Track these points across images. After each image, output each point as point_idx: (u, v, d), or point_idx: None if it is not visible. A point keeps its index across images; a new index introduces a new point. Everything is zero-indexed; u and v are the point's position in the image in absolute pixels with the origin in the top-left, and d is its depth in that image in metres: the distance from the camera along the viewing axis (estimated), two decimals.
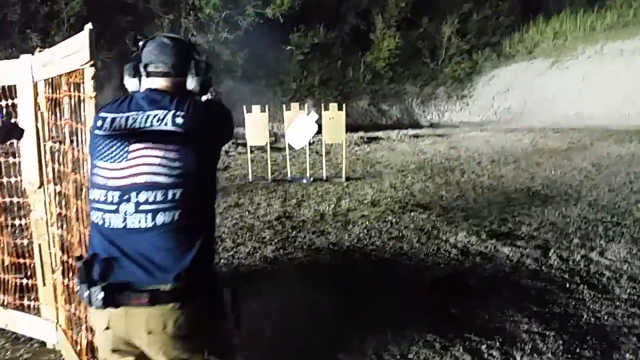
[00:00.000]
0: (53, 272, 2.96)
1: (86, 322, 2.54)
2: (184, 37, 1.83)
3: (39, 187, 2.93)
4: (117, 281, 1.53)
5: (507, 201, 7.06)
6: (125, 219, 1.54)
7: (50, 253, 2.95)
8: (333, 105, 8.98)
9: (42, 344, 3.20)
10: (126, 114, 1.63)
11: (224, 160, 11.42)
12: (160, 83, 1.71)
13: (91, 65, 2.05)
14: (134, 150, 1.58)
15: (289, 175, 9.11)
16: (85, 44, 2.06)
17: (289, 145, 9.22)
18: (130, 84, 1.75)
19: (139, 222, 1.53)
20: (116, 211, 1.55)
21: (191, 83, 1.73)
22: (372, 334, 3.32)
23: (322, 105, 9.27)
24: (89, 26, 2.08)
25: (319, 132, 9.11)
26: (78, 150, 2.35)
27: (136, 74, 1.73)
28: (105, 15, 19.09)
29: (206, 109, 1.70)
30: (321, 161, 9.51)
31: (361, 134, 16.31)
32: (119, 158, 1.58)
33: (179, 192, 1.55)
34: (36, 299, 3.24)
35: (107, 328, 1.60)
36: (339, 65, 22.03)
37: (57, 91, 2.57)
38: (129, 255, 1.54)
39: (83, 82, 2.14)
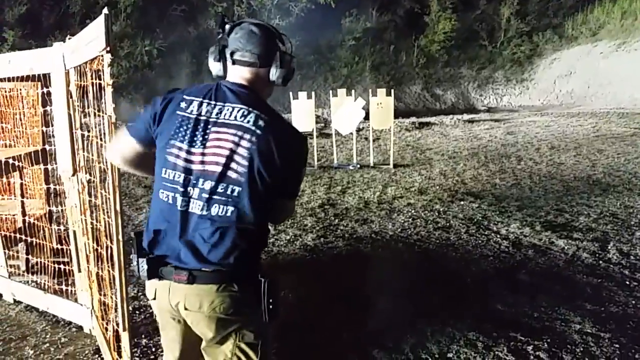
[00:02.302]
0: (87, 259, 2.97)
1: (115, 311, 2.53)
2: (272, 25, 1.74)
3: (73, 175, 2.93)
4: (162, 255, 1.60)
5: (565, 190, 6.64)
6: (188, 202, 1.58)
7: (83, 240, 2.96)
8: (381, 91, 8.74)
9: (80, 328, 3.24)
10: (214, 102, 1.63)
11: None
12: (245, 74, 1.69)
13: (107, 52, 1.98)
14: (213, 140, 1.59)
15: (335, 161, 8.97)
16: (101, 31, 1.98)
17: (335, 131, 9.07)
18: (214, 67, 1.75)
19: (199, 208, 1.57)
20: (184, 193, 1.59)
21: (275, 74, 1.70)
22: (410, 329, 3.15)
23: (370, 91, 9.04)
24: (105, 11, 2.00)
25: (367, 118, 8.90)
26: (100, 139, 2.30)
27: (221, 58, 1.72)
28: (160, 4, 19.51)
29: (294, 143, 1.64)
30: (369, 147, 9.31)
31: (413, 119, 15.92)
32: (197, 143, 1.59)
33: (239, 190, 1.56)
34: (74, 284, 3.28)
35: (154, 298, 1.69)
36: (391, 49, 21.57)
37: (84, 79, 2.54)
38: (180, 235, 1.58)
39: (102, 69, 2.07)
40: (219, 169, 1.56)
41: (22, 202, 3.95)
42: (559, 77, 19.78)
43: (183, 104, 1.64)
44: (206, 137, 1.59)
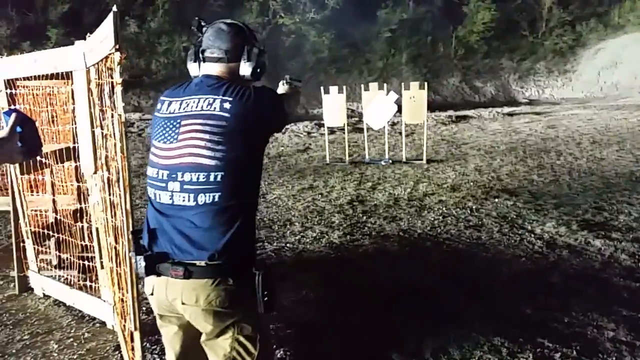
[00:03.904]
0: (108, 256, 3.00)
1: (133, 308, 2.54)
2: (243, 23, 1.83)
3: (94, 172, 2.96)
4: (160, 252, 1.64)
5: (605, 187, 6.36)
6: (172, 196, 1.63)
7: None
8: (414, 84, 8.57)
9: (103, 324, 3.29)
10: (181, 98, 1.71)
11: (304, 142, 11.42)
12: (215, 68, 1.75)
13: (116, 50, 1.97)
14: (183, 133, 1.64)
15: (366, 157, 8.87)
16: (110, 29, 1.98)
17: (367, 126, 8.96)
18: (191, 68, 1.82)
19: (183, 200, 1.61)
20: (165, 188, 1.64)
21: (243, 68, 1.75)
22: (432, 333, 3.06)
23: (402, 84, 8.88)
24: (114, 9, 1.99)
25: (400, 112, 8.75)
26: (112, 137, 2.31)
27: (196, 59, 1.79)
28: (197, 0, 19.76)
29: (256, 96, 1.67)
30: (402, 142, 9.16)
31: (450, 112, 15.64)
32: (170, 139, 1.66)
33: (221, 175, 1.59)
34: (97, 280, 3.33)
35: (152, 294, 1.72)
36: (428, 41, 21.23)
37: (102, 77, 2.55)
38: (172, 230, 1.63)
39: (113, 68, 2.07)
40: (194, 159, 1.60)
41: (53, 198, 4.04)
42: (604, 68, 19.04)
43: (159, 105, 1.75)
44: (177, 131, 1.64)
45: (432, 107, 18.17)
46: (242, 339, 1.67)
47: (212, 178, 1.59)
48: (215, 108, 1.62)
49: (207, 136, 1.60)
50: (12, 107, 2.83)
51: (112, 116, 2.21)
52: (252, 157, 1.68)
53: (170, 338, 1.80)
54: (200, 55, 1.77)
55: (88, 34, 2.81)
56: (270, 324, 3.18)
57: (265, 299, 1.62)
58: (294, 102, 2.07)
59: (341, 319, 3.28)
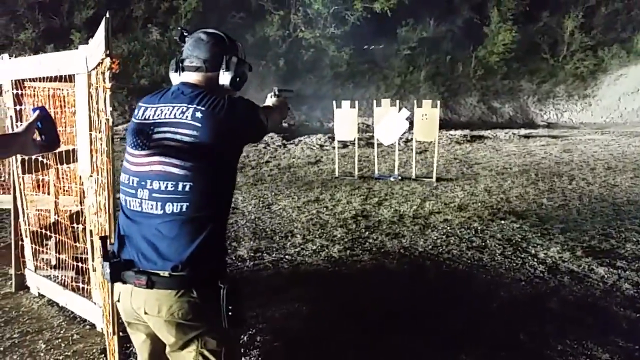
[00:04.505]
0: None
1: (111, 313, 2.54)
2: (224, 33, 1.81)
3: (91, 175, 2.98)
4: (126, 259, 1.62)
5: (615, 214, 6.24)
6: (141, 203, 1.62)
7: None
8: (427, 102, 8.54)
9: (93, 326, 3.30)
10: (157, 105, 1.69)
11: (316, 154, 11.42)
12: (193, 77, 1.74)
13: (107, 55, 1.99)
14: (155, 140, 1.62)
15: (376, 172, 8.84)
16: (102, 35, 2.00)
17: (378, 141, 8.94)
18: (173, 77, 1.81)
19: (151, 207, 1.60)
20: (135, 195, 1.63)
21: (223, 78, 1.74)
22: (420, 355, 3.01)
23: (415, 101, 8.86)
24: (106, 15, 2.01)
25: (411, 129, 8.73)
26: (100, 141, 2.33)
27: (177, 68, 1.78)
28: (220, 10, 20.04)
29: (229, 106, 1.64)
30: (413, 159, 9.12)
31: (466, 132, 15.55)
32: (142, 146, 1.64)
33: (190, 185, 1.58)
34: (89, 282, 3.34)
35: (118, 301, 1.71)
36: (447, 60, 21.20)
37: (97, 81, 2.58)
38: (140, 237, 1.61)
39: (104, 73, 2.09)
40: (164, 167, 1.59)
41: (55, 199, 4.08)
42: (625, 94, 18.81)
43: (136, 111, 1.73)
44: (149, 138, 1.63)
45: (448, 125, 18.16)
46: (206, 352, 1.63)
47: (180, 187, 1.57)
48: (187, 117, 1.60)
49: (177, 145, 1.58)
50: (40, 105, 2.97)
51: (100, 119, 2.23)
52: (222, 168, 1.66)
53: (139, 346, 1.78)
54: (180, 64, 1.76)
55: (90, 38, 2.86)
56: (258, 337, 3.17)
57: (230, 313, 1.59)
58: (279, 114, 2.05)
59: (331, 335, 3.24)
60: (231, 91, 1.76)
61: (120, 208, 1.72)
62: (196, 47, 1.73)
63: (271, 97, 2.11)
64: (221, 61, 1.72)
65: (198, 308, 1.59)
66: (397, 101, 8.85)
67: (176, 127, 1.60)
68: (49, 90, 4.26)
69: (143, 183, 1.61)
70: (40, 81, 3.64)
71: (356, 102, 8.68)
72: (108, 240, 1.72)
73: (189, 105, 1.62)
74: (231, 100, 1.66)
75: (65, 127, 4.31)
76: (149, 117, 1.67)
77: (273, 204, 6.74)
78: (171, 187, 1.57)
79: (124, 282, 1.62)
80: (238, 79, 1.75)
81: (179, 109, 1.63)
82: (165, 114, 1.64)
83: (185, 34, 1.79)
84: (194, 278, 1.58)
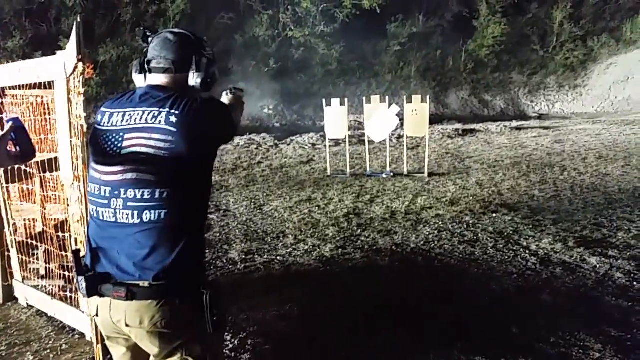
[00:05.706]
0: None
1: (92, 323, 2.51)
2: (190, 32, 1.76)
3: (73, 183, 2.95)
4: (102, 272, 1.57)
5: (607, 203, 6.24)
6: (115, 214, 1.56)
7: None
8: (416, 98, 8.52)
9: (82, 335, 3.26)
10: (124, 110, 1.62)
11: (308, 154, 11.39)
12: (162, 79, 1.68)
13: (79, 60, 1.96)
14: (126, 147, 1.56)
15: (368, 169, 8.82)
16: (74, 40, 1.97)
17: (369, 138, 8.92)
18: (137, 80, 1.74)
19: (127, 217, 1.54)
20: (108, 205, 1.57)
21: (192, 79, 1.69)
22: (412, 350, 2.99)
23: (404, 97, 8.85)
24: (77, 19, 1.98)
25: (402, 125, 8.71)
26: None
27: (142, 70, 1.71)
28: (209, 12, 19.93)
29: (203, 108, 1.60)
30: (404, 155, 9.10)
31: (457, 126, 15.55)
32: (112, 153, 1.58)
33: (167, 192, 1.53)
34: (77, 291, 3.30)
35: (97, 315, 1.66)
36: (438, 54, 21.19)
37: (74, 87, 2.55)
38: (115, 249, 1.56)
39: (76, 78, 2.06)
40: (139, 175, 1.53)
41: (42, 208, 4.04)
42: (615, 83, 18.86)
43: (99, 117, 1.65)
44: (120, 145, 1.57)
45: (440, 120, 18.16)
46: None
47: (157, 195, 1.52)
48: (160, 121, 1.54)
49: (151, 151, 1.52)
50: (13, 115, 2.88)
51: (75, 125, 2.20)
52: (199, 172, 1.62)
53: (119, 359, 1.75)
54: (146, 65, 1.69)
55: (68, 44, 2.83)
56: (249, 340, 3.14)
57: (215, 318, 1.57)
58: (239, 112, 2.01)
59: (323, 335, 3.22)
60: (200, 92, 1.71)
61: (90, 219, 1.66)
62: (163, 48, 1.67)
63: (227, 94, 2.05)
64: (190, 62, 1.67)
65: (181, 316, 1.56)
66: (387, 97, 8.82)
67: (149, 132, 1.53)
68: (29, 98, 4.21)
69: (116, 192, 1.55)
70: (20, 89, 3.60)
71: (346, 100, 8.65)
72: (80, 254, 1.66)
73: (161, 110, 1.56)
74: (204, 102, 1.62)
75: (47, 134, 4.27)
76: (116, 123, 1.60)
77: (265, 205, 6.71)
78: (147, 195, 1.52)
79: (102, 296, 1.58)
80: (209, 80, 1.71)
81: (150, 113, 1.56)
82: (135, 119, 1.57)
83: (149, 34, 1.74)
84: (176, 286, 1.55)
